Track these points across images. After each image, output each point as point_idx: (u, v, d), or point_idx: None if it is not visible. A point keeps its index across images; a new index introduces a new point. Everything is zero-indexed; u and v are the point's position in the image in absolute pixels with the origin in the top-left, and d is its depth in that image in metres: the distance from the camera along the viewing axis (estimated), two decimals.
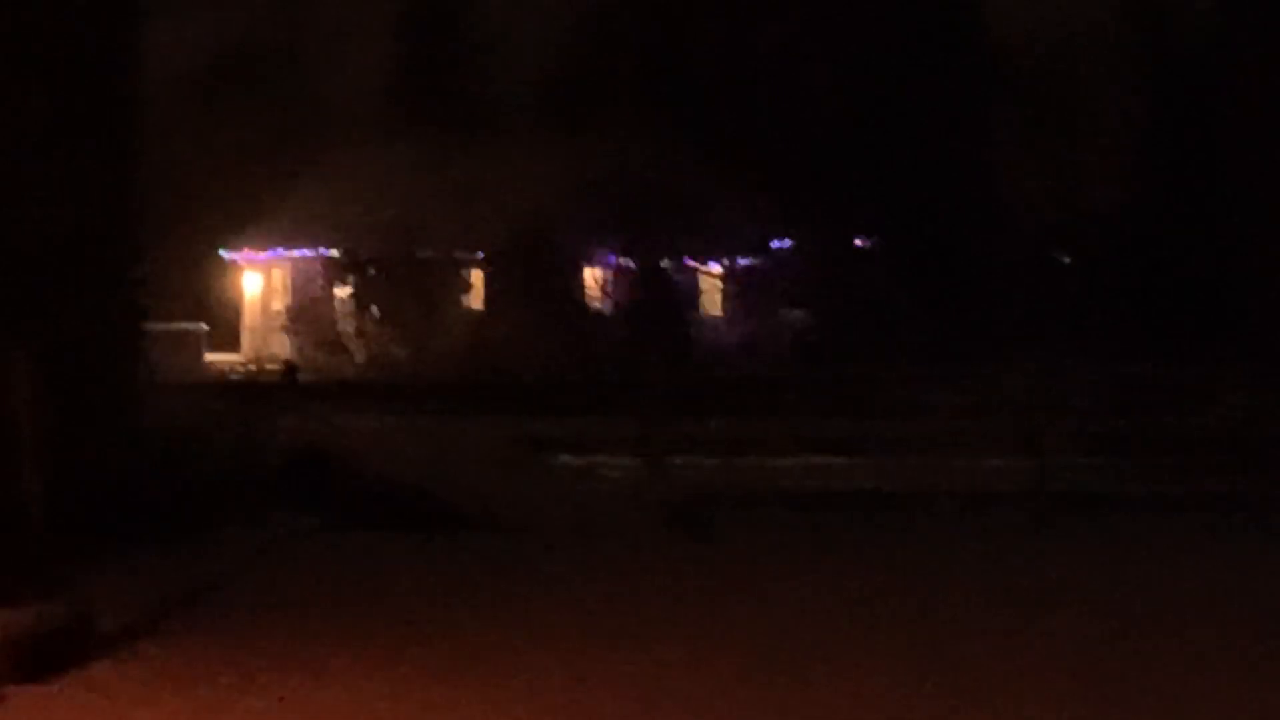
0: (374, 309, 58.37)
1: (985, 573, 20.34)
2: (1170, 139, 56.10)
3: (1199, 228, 54.30)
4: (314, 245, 61.94)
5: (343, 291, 60.22)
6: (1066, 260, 58.38)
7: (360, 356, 57.06)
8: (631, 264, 59.40)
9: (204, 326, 59.32)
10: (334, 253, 61.15)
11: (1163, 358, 45.08)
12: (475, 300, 60.64)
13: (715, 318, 60.74)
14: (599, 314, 58.84)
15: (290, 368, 53.75)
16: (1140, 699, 13.73)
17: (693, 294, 60.36)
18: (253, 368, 56.72)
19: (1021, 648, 16.28)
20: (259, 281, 64.00)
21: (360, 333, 58.49)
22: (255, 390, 45.73)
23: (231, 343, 62.97)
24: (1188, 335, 48.97)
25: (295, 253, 62.54)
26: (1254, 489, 27.35)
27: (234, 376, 52.38)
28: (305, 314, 60.55)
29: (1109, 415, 35.35)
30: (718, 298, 62.40)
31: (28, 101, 19.02)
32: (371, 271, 58.77)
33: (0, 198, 18.19)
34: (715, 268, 61.20)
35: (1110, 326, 51.49)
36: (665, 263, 59.24)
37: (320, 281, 61.49)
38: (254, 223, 63.62)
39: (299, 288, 62.34)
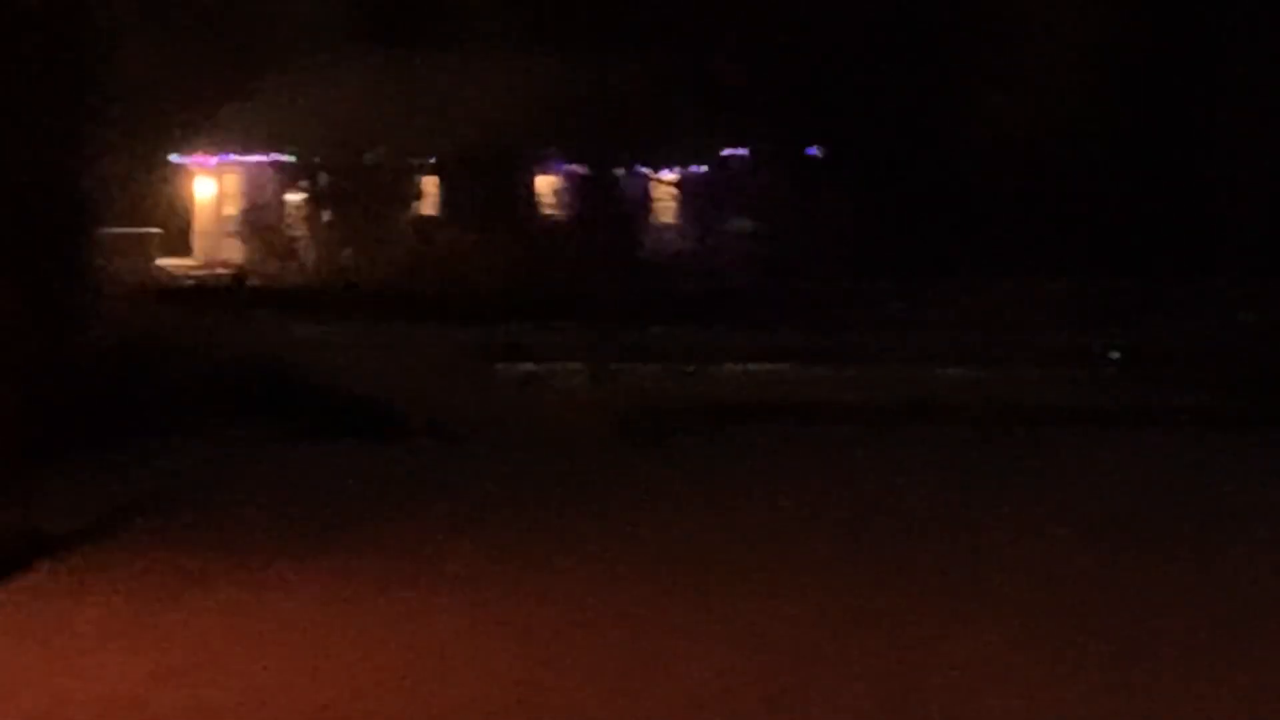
0: (324, 214, 57.95)
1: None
2: (1137, 54, 56.37)
3: (1165, 145, 54.33)
4: (266, 151, 61.32)
5: (295, 198, 59.71)
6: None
7: (310, 262, 56.27)
8: (583, 171, 59.11)
9: (156, 231, 58.24)
10: (287, 159, 60.74)
11: (1116, 274, 45.33)
12: (428, 207, 60.11)
13: (667, 225, 60.39)
14: (551, 220, 58.66)
15: (241, 274, 54.81)
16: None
17: (645, 202, 60.13)
18: (204, 273, 56.33)
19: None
20: (211, 187, 63.50)
21: (311, 238, 57.73)
22: (206, 296, 45.95)
23: (183, 248, 62.39)
24: (1149, 252, 48.22)
25: (248, 158, 62.08)
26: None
27: (186, 282, 51.76)
28: (256, 220, 59.75)
29: (1060, 330, 35.65)
30: (671, 206, 61.99)
31: None
32: (324, 178, 58.58)
33: None
34: (668, 175, 60.93)
35: (1070, 243, 51.14)
36: (618, 170, 59.10)
37: (272, 188, 60.95)
38: (206, 128, 62.87)
39: (251, 193, 61.68)
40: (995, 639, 13.49)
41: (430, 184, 60.27)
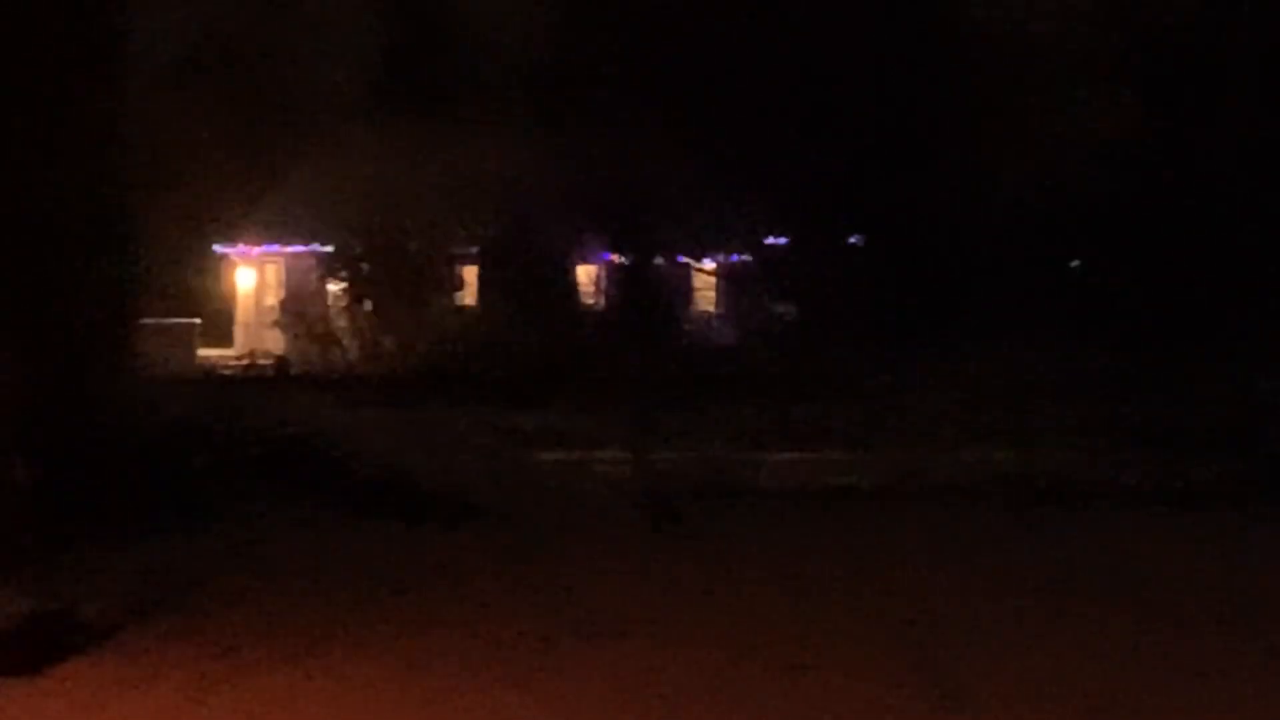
0: (366, 303, 57.68)
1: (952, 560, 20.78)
2: (1155, 135, 56.90)
3: (1186, 221, 55.24)
4: (307, 241, 61.80)
5: (336, 286, 59.56)
6: (1071, 262, 59.87)
7: (353, 351, 56.21)
8: (624, 260, 59.11)
9: (197, 321, 59.05)
10: (327, 248, 60.83)
11: (1141, 349, 45.22)
12: (468, 296, 60.41)
13: (709, 313, 60.71)
14: (590, 310, 58.60)
15: (283, 362, 54.91)
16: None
17: (686, 290, 60.26)
18: (245, 362, 56.29)
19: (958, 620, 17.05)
20: (252, 277, 64.02)
21: (352, 327, 57.56)
22: (247, 384, 46.32)
23: (224, 338, 62.86)
24: (1172, 330, 48.65)
25: (288, 248, 62.61)
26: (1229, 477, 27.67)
27: (226, 371, 52.11)
28: (298, 308, 59.62)
29: (1088, 404, 35.65)
30: (711, 294, 62.41)
31: (18, 105, 19.61)
32: (364, 267, 58.18)
33: None
34: (709, 264, 61.09)
35: (1094, 319, 51.29)
36: (658, 259, 58.99)
37: (313, 276, 61.18)
38: (247, 218, 63.77)
39: (292, 283, 62.27)
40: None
41: (470, 273, 60.31)
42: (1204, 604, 18.70)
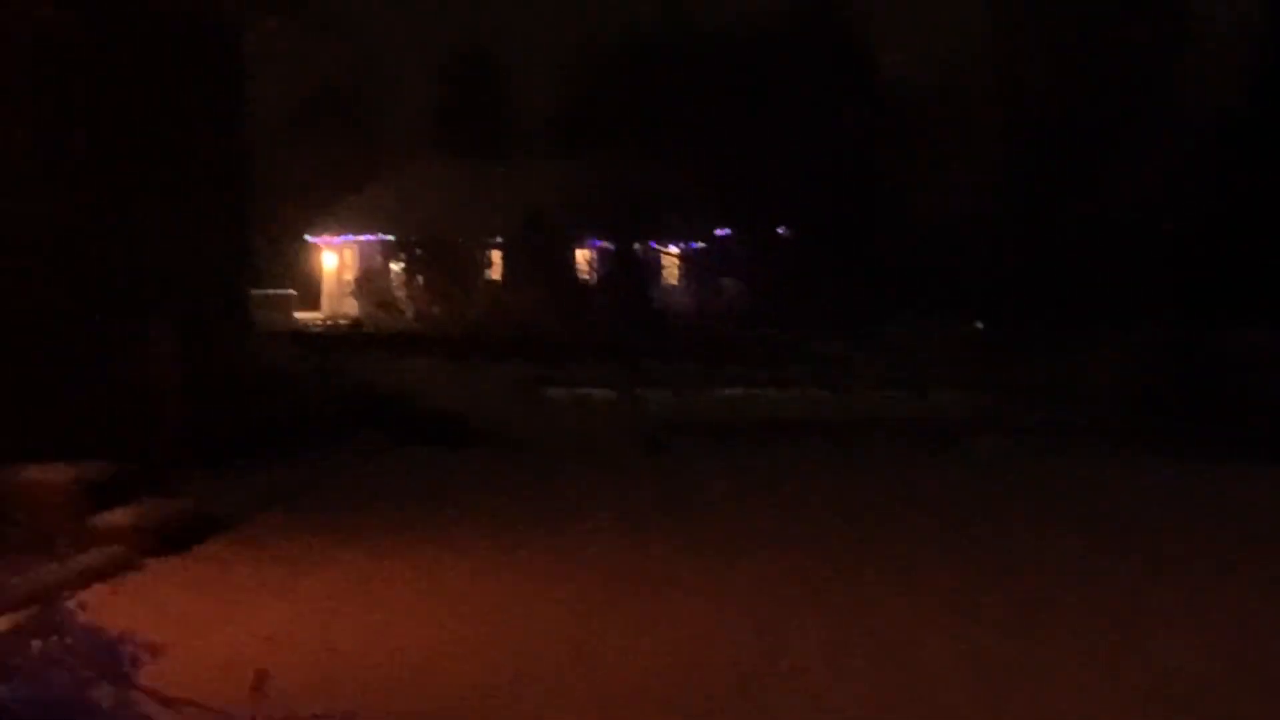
0: (419, 279, 59.43)
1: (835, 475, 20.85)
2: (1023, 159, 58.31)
3: (1037, 229, 55.24)
4: (375, 232, 63.39)
5: (396, 266, 61.41)
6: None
7: (409, 314, 57.98)
8: (610, 247, 60.54)
9: (293, 293, 60.31)
10: (390, 237, 62.34)
11: (1012, 326, 46.04)
12: (494, 274, 61.80)
13: (672, 286, 62.06)
14: (585, 284, 59.77)
15: (356, 323, 56.46)
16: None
17: (656, 269, 61.50)
18: (329, 323, 58.00)
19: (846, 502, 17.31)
20: (334, 259, 65.50)
21: (409, 297, 59.60)
22: (330, 339, 47.25)
23: (314, 304, 64.22)
24: (1037, 312, 49.53)
25: (361, 237, 64.09)
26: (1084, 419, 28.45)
27: (314, 329, 53.00)
28: (368, 283, 61.77)
29: (975, 364, 36.22)
30: (675, 272, 63.71)
31: (174, 168, 19.54)
32: (417, 252, 59.82)
33: (144, 229, 18.85)
34: (674, 249, 62.37)
35: (983, 302, 51.80)
36: (635, 246, 60.31)
37: (379, 259, 62.93)
38: (331, 215, 65.30)
39: (364, 263, 63.89)
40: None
41: (496, 256, 61.85)
42: (1019, 485, 18.97)
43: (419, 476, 19.80)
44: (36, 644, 5.86)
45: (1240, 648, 11.74)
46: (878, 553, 15.57)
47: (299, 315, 58.34)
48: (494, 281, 61.06)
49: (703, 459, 23.33)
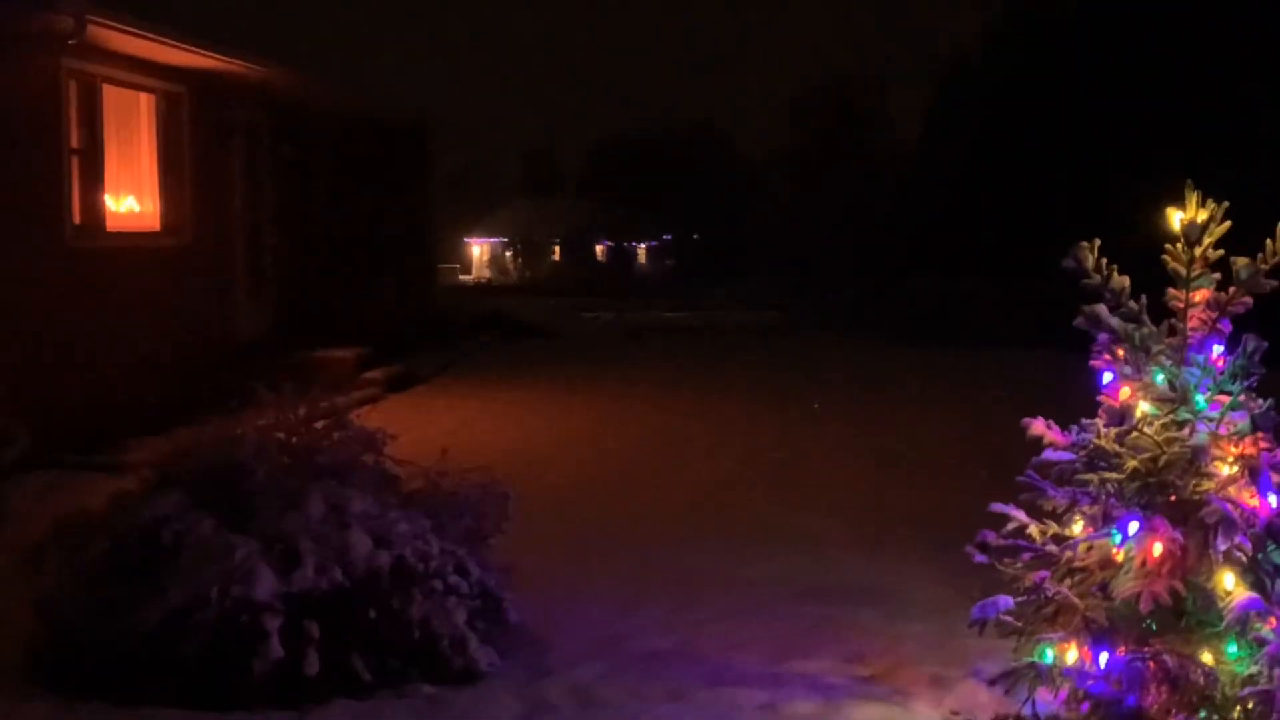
0: (518, 259, 68.32)
1: (771, 352, 23.09)
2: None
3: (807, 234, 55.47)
4: (497, 236, 72.01)
5: (507, 253, 70.69)
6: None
7: (513, 277, 64.64)
8: (610, 243, 69.60)
9: (458, 265, 67.40)
10: (504, 239, 71.39)
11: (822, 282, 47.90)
12: (555, 256, 70.19)
13: (641, 264, 70.47)
14: (599, 262, 67.22)
15: (488, 281, 62.62)
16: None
17: (633, 254, 70.06)
18: (474, 281, 65.03)
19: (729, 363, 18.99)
20: (477, 249, 73.51)
21: (512, 267, 67.96)
22: (476, 289, 55.46)
23: (467, 272, 70.93)
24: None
25: (490, 240, 72.79)
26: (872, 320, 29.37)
27: (467, 284, 60.55)
28: (493, 261, 70.50)
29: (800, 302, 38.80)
30: (644, 257, 72.36)
31: (397, 200, 21.97)
32: (517, 245, 68.70)
33: (382, 231, 21.05)
34: (640, 246, 71.00)
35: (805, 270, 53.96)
36: (624, 243, 69.71)
37: (499, 249, 71.70)
38: (475, 227, 73.40)
39: (491, 251, 72.30)
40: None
41: (555, 249, 70.05)
42: (808, 354, 20.77)
43: (514, 354, 21.37)
44: (337, 434, 6.73)
45: (922, 434, 13.66)
46: (753, 384, 17.85)
47: (461, 278, 64.30)
48: (555, 261, 67.46)
49: (660, 341, 25.78)
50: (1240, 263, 4.94)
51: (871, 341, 23.51)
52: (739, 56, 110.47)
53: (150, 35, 11.71)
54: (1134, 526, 4.68)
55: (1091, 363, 5.10)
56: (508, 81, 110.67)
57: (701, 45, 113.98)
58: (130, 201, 13.15)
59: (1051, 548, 4.95)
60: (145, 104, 13.28)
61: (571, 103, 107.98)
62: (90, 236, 11.95)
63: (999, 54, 27.10)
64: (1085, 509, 4.91)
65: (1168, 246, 5.03)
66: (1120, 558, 4.73)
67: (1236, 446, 4.82)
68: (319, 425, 6.66)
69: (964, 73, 28.51)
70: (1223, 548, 4.55)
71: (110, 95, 12.39)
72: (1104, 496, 4.78)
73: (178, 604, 5.53)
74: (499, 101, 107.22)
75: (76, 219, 11.72)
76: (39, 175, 11.13)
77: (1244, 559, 4.63)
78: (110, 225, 12.46)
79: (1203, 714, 4.70)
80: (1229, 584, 4.64)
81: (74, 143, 11.73)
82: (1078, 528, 4.98)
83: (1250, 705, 4.54)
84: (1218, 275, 4.99)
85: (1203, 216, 4.99)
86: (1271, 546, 4.69)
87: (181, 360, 13.14)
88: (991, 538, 5.01)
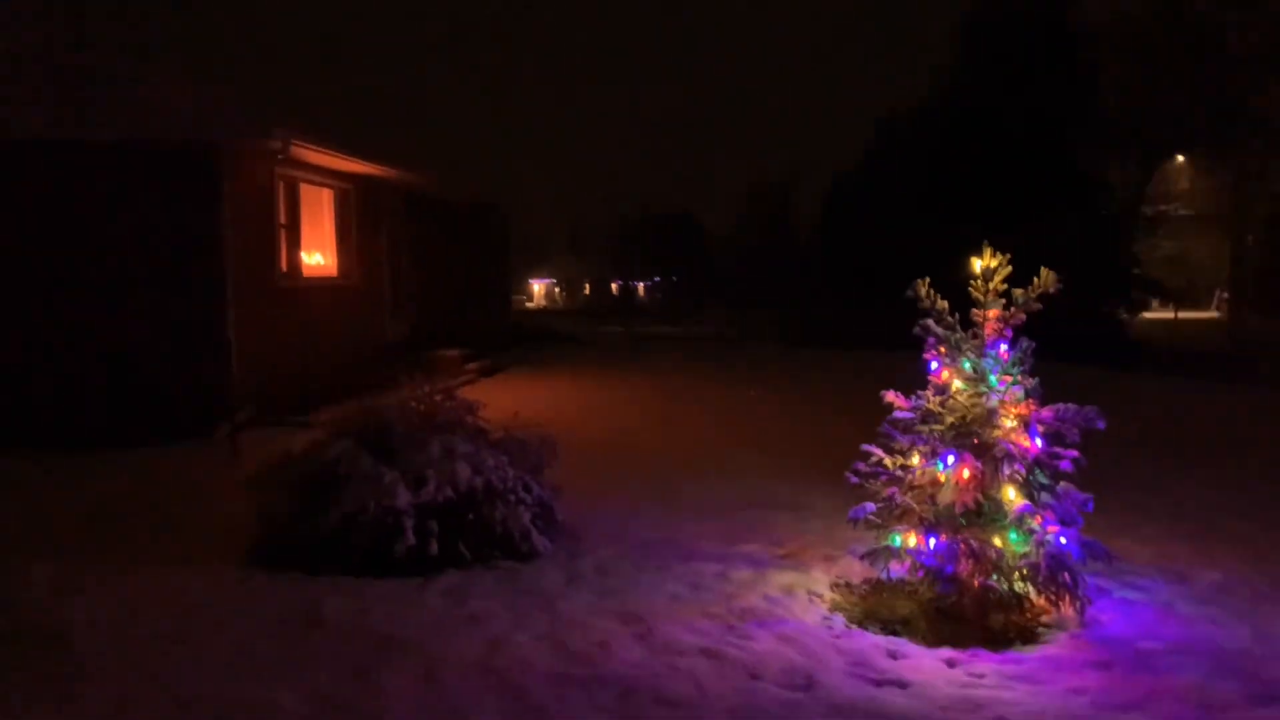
0: (564, 292, 65.59)
1: (726, 353, 21.85)
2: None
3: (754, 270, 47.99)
4: (549, 278, 69.12)
5: (556, 289, 68.64)
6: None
7: (560, 304, 62.67)
8: (621, 281, 66.16)
9: (525, 296, 64.68)
10: (554, 280, 69.28)
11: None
12: (586, 290, 67.70)
13: (641, 296, 66.46)
14: (613, 295, 64.62)
15: (544, 308, 58.37)
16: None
17: (635, 290, 66.73)
18: (535, 307, 61.86)
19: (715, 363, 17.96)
20: (537, 285, 70.28)
21: (559, 297, 66.29)
22: (535, 312, 50.98)
23: (531, 300, 68.79)
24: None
25: (545, 280, 69.69)
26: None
27: (530, 309, 57.29)
28: (548, 293, 67.74)
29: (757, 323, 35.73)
30: (643, 292, 67.64)
31: (485, 253, 20.36)
32: (564, 283, 65.86)
33: (476, 274, 19.61)
34: (641, 284, 67.12)
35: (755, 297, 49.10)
36: (630, 282, 66.14)
37: (551, 285, 69.30)
38: (536, 270, 70.21)
39: (546, 287, 69.92)
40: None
41: (586, 286, 67.50)
42: (762, 355, 19.49)
43: (560, 354, 20.39)
44: (448, 403, 6.29)
45: (819, 402, 13.08)
46: (713, 372, 16.88)
47: (526, 305, 62.26)
48: (586, 294, 65.55)
49: (653, 345, 24.35)
50: (1018, 293, 4.98)
51: (790, 347, 22.39)
52: (712, 157, 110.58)
53: (328, 152, 11.78)
54: (951, 459, 4.71)
55: (924, 356, 5.06)
56: (561, 170, 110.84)
57: (687, 151, 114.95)
58: (318, 257, 13.14)
59: (899, 473, 4.92)
60: (326, 196, 13.29)
61: (601, 188, 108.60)
62: (292, 279, 11.92)
63: (867, 165, 26.94)
64: (921, 448, 4.90)
65: (972, 282, 5.06)
66: (943, 479, 4.75)
67: (1016, 408, 4.82)
68: (437, 398, 6.57)
69: (845, 176, 28.46)
70: (1007, 472, 4.60)
71: (305, 190, 12.45)
72: (932, 439, 4.80)
73: (349, 510, 5.57)
74: (553, 187, 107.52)
75: (283, 268, 11.71)
76: (261, 240, 11.12)
77: (1020, 479, 4.65)
78: (305, 272, 12.46)
79: (995, 577, 4.73)
80: (1011, 495, 4.67)
81: (282, 219, 11.76)
82: (916, 460, 4.94)
83: (1024, 571, 4.60)
84: (1004, 300, 5.00)
85: (994, 263, 5.03)
86: (1037, 471, 4.68)
87: (352, 356, 13.05)
88: (861, 467, 5.01)
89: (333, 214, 13.35)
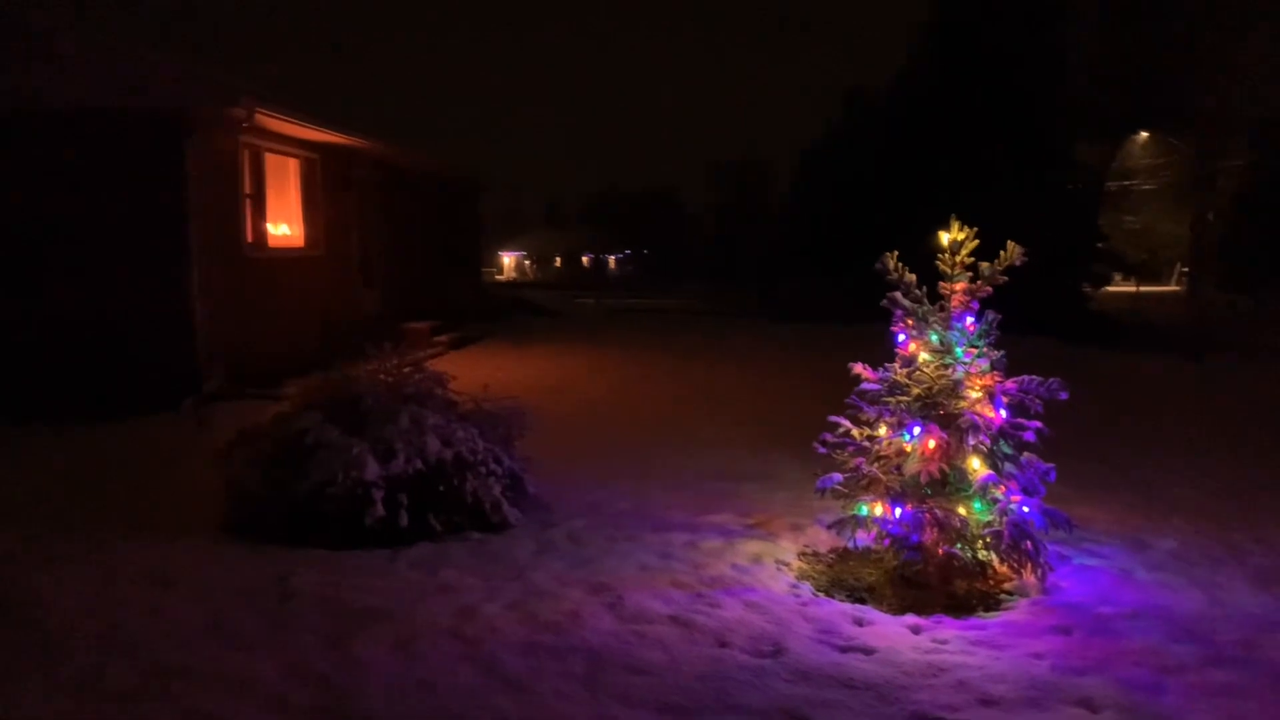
0: (534, 264, 64.53)
1: (699, 326, 21.62)
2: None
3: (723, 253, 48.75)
4: (520, 250, 68.04)
5: (527, 261, 67.13)
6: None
7: (531, 276, 61.83)
8: (591, 255, 66.28)
9: (494, 269, 63.85)
10: (524, 252, 67.95)
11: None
12: (557, 263, 67.15)
13: (612, 269, 66.36)
14: (586, 266, 65.02)
15: (514, 280, 56.75)
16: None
17: (606, 261, 66.54)
18: (504, 280, 60.00)
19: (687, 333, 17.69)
20: (507, 258, 68.82)
21: (529, 270, 65.00)
22: (505, 285, 49.48)
23: (500, 273, 67.28)
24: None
25: (515, 253, 68.08)
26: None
27: (500, 281, 54.76)
28: (517, 266, 66.79)
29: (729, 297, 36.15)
30: (613, 264, 67.54)
31: (456, 227, 19.96)
32: (534, 256, 65.25)
33: (447, 247, 19.34)
34: (612, 258, 66.93)
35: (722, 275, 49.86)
36: (601, 255, 66.08)
37: (521, 258, 67.92)
38: (506, 243, 68.72)
39: (516, 260, 68.38)
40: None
41: (558, 259, 66.70)
42: (732, 326, 19.18)
43: (531, 326, 20.19)
44: (417, 375, 6.25)
45: (788, 373, 12.96)
46: (683, 340, 16.63)
47: (495, 277, 60.29)
48: (557, 266, 64.60)
49: (625, 317, 24.12)
50: (984, 266, 5.03)
51: (758, 320, 21.96)
52: (692, 132, 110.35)
53: (294, 120, 11.55)
54: (917, 430, 4.76)
55: (892, 328, 5.11)
56: (536, 146, 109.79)
57: (668, 126, 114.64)
58: (284, 228, 12.94)
59: (866, 444, 4.98)
60: (292, 165, 13.08)
61: (580, 162, 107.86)
62: (258, 250, 11.75)
63: (836, 138, 26.82)
64: (887, 419, 4.96)
65: (939, 255, 5.09)
66: (909, 449, 4.81)
67: (981, 380, 4.89)
68: (406, 369, 6.54)
69: (814, 149, 28.31)
70: (972, 443, 4.66)
71: (271, 160, 12.25)
72: (899, 411, 4.85)
73: (318, 481, 5.53)
74: (528, 160, 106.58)
75: (249, 238, 11.55)
76: (227, 210, 10.95)
77: (984, 450, 4.72)
78: (271, 243, 12.28)
79: (959, 546, 4.81)
80: (975, 465, 4.73)
81: (247, 189, 11.58)
82: (883, 430, 4.99)
83: (987, 539, 4.67)
84: (970, 274, 5.05)
85: (961, 237, 5.07)
86: (1001, 441, 4.76)
87: (321, 328, 12.94)
88: (829, 437, 5.06)
89: (299, 184, 13.18)
